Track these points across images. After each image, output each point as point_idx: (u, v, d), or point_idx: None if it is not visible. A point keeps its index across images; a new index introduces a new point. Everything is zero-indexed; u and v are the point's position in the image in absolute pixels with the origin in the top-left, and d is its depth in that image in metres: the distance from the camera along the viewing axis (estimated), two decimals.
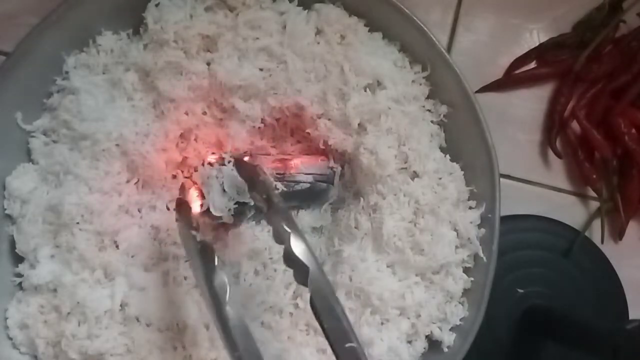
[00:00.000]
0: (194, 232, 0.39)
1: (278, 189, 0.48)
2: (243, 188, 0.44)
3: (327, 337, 0.34)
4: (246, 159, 0.48)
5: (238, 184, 0.44)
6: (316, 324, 0.44)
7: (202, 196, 0.45)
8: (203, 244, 0.38)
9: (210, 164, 0.46)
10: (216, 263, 0.36)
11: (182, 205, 0.43)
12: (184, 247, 0.40)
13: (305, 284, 0.35)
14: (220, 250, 0.48)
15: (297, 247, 0.35)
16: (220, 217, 0.45)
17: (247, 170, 0.44)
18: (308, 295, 0.35)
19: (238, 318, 0.34)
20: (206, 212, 0.47)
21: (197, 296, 0.46)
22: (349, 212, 0.50)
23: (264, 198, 0.40)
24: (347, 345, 0.34)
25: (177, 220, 0.42)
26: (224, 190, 0.45)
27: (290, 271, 0.45)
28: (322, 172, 0.50)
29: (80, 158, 0.45)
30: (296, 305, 0.46)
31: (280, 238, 0.36)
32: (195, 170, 0.49)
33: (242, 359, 0.33)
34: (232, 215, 0.45)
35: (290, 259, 0.35)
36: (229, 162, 0.45)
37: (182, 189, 0.46)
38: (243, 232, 0.49)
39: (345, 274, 0.47)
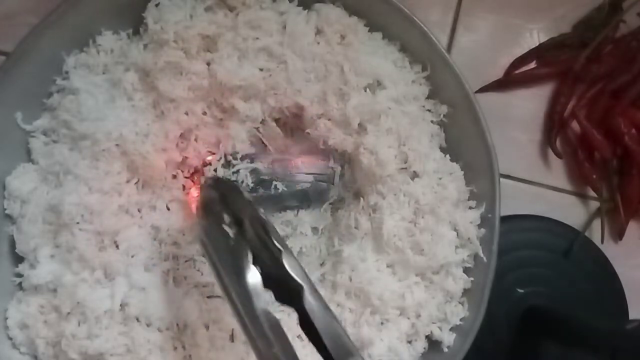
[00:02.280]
0: (226, 228, 0.37)
1: (278, 189, 0.48)
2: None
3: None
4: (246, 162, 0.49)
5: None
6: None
7: None
8: (236, 240, 0.36)
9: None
10: (250, 259, 0.34)
11: (207, 203, 0.41)
12: (209, 246, 0.38)
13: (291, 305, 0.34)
14: None
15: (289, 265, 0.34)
16: None
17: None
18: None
19: (272, 316, 0.33)
20: None
21: (197, 296, 0.46)
22: (349, 212, 0.50)
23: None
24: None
25: (201, 218, 0.40)
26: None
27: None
28: (322, 172, 0.50)
29: (80, 158, 0.45)
30: None
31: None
32: (196, 171, 0.49)
33: (278, 357, 0.32)
34: None
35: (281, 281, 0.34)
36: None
37: (200, 189, 0.45)
38: None
39: (345, 274, 0.47)
